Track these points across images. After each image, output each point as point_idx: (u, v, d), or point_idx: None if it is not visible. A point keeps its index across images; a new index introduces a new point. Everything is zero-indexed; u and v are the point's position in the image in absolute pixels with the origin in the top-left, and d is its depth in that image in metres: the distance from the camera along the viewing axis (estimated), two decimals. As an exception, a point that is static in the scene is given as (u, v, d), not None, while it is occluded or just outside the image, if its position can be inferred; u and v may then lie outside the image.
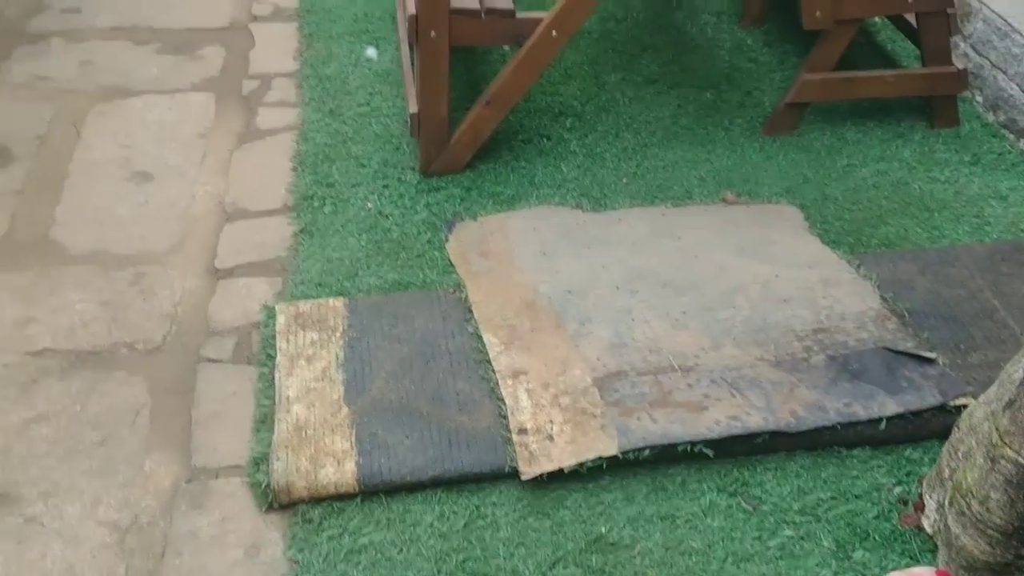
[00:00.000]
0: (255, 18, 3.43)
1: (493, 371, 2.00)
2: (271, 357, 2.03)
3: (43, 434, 1.87)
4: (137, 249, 2.37)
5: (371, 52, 3.22)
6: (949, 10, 2.76)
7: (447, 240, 2.41)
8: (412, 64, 2.76)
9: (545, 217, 2.51)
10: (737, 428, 1.85)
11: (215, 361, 2.06)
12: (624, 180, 2.70)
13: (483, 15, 2.50)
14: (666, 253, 2.37)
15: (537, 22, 2.51)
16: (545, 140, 2.84)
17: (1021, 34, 2.83)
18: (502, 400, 1.92)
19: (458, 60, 3.09)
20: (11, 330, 2.10)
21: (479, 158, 2.70)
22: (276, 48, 3.26)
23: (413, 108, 2.60)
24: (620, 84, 3.11)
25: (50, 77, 3.00)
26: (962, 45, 3.09)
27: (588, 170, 2.73)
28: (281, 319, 2.11)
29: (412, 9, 2.44)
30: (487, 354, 2.04)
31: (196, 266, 2.33)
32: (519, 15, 2.53)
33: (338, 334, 2.08)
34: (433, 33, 2.44)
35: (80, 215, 2.46)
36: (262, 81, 3.09)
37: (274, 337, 2.07)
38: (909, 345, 2.02)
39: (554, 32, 2.50)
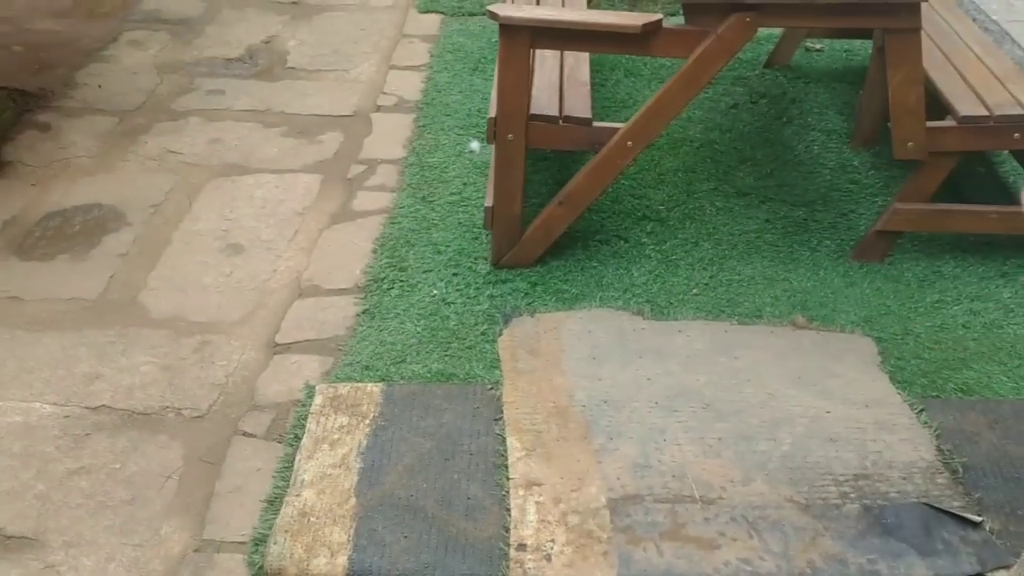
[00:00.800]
0: (378, 108, 3.62)
1: (508, 478, 1.97)
2: (298, 438, 2.09)
3: (81, 486, 2.01)
4: (210, 318, 2.53)
5: (474, 145, 3.34)
6: (1066, 147, 2.57)
7: (501, 334, 2.44)
8: (495, 161, 2.84)
9: (603, 320, 2.49)
10: (746, 573, 1.74)
11: (249, 435, 2.15)
12: (694, 291, 2.64)
13: (560, 122, 2.55)
14: (718, 372, 2.28)
15: (614, 131, 2.53)
16: (622, 242, 2.83)
17: None
18: (509, 510, 1.90)
19: (546, 156, 3.18)
20: (79, 384, 2.29)
21: (551, 254, 2.72)
22: (390, 136, 3.43)
23: (488, 202, 2.67)
24: (711, 193, 3.07)
25: (179, 152, 3.28)
26: (1090, 181, 2.86)
27: (659, 276, 2.69)
28: (318, 400, 2.19)
29: (492, 112, 2.53)
30: (507, 458, 2.02)
31: (258, 339, 2.46)
32: (596, 123, 2.57)
33: (367, 421, 2.13)
34: (510, 136, 2.51)
35: (170, 281, 2.66)
36: (368, 166, 3.25)
37: (306, 417, 2.14)
38: (955, 504, 1.84)
39: (629, 142, 2.52)
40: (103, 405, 2.23)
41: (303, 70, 3.85)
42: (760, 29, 2.43)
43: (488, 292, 2.62)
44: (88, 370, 2.33)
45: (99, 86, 3.65)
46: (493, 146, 2.58)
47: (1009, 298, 2.59)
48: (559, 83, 2.72)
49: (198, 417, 2.20)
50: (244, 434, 2.15)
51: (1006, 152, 3.12)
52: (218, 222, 2.93)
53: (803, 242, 2.84)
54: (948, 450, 2.02)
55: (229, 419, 2.19)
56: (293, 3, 4.39)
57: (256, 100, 3.63)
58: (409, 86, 3.73)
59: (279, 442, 2.12)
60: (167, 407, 2.22)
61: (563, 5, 3.12)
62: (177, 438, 2.13)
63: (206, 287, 2.65)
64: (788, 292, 2.63)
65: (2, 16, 4.07)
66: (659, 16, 2.36)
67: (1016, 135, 2.55)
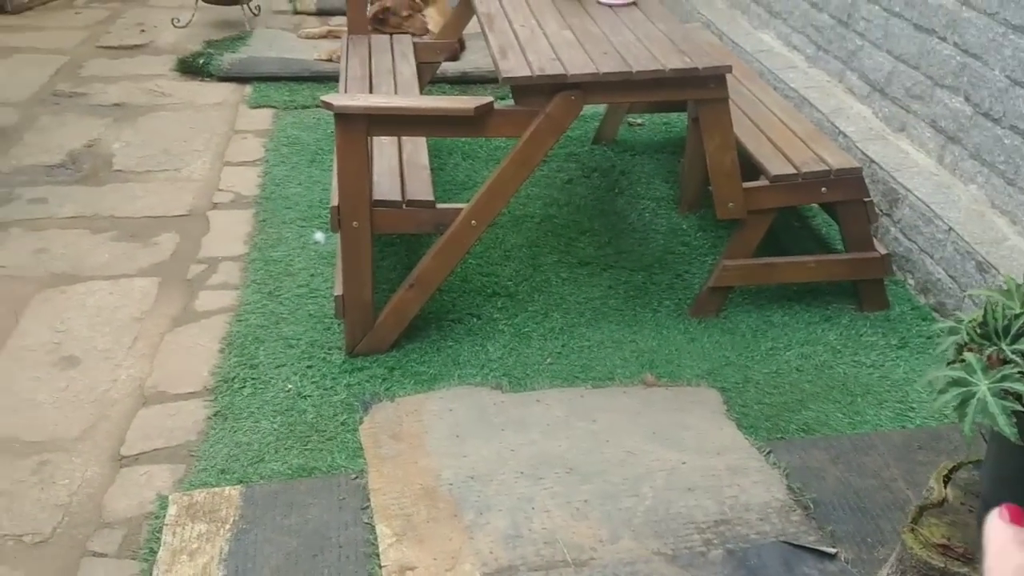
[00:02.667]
0: (215, 205, 3.55)
1: (380, 566, 1.93)
2: (154, 552, 1.97)
3: (-98, 637, 1.80)
4: (47, 435, 2.36)
5: (319, 236, 3.33)
6: (865, 199, 2.85)
7: (361, 422, 2.40)
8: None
9: (463, 398, 2.50)
10: (626, 630, 1.76)
11: (100, 555, 2.01)
12: (548, 360, 2.71)
13: (404, 205, 2.60)
14: (578, 437, 2.34)
15: (457, 212, 2.60)
16: (475, 319, 2.88)
17: (943, 220, 2.90)
18: (385, 599, 1.85)
19: (393, 242, 3.21)
20: None
21: (406, 338, 2.73)
22: (229, 233, 3.36)
23: (338, 291, 2.66)
24: (555, 266, 3.18)
25: (2, 265, 3.09)
26: (892, 229, 3.17)
27: (514, 350, 2.74)
28: (172, 510, 2.07)
29: (334, 201, 2.54)
30: (378, 546, 1.98)
31: (101, 453, 2.31)
32: (440, 205, 2.63)
33: (227, 526, 2.03)
34: (355, 223, 2.53)
35: (-1, 401, 2.48)
36: (208, 265, 3.17)
37: (161, 530, 2.02)
38: (810, 539, 1.95)
39: (473, 221, 2.59)
40: (-74, 544, 2.02)
41: (131, 172, 3.74)
42: (585, 108, 2.59)
43: (345, 381, 2.58)
44: (-94, 508, 2.11)
45: (-102, 207, 3.41)
46: (338, 235, 2.58)
47: (835, 340, 2.81)
48: (399, 168, 2.78)
49: (41, 542, 2.03)
50: (94, 554, 2.00)
51: (816, 205, 3.43)
52: (49, 335, 2.77)
53: (645, 304, 2.98)
54: (798, 488, 2.14)
55: (76, 540, 2.03)
56: (116, 105, 4.28)
57: (82, 206, 3.50)
58: (245, 182, 3.69)
59: (133, 559, 1.98)
60: (5, 535, 2.04)
61: (396, 92, 3.21)
62: (19, 567, 1.95)
63: (40, 404, 2.48)
64: (636, 353, 2.74)
65: None
66: (490, 98, 2.47)
67: (823, 189, 2.82)
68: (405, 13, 4.55)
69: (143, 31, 5.16)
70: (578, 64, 2.48)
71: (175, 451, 2.32)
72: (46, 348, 2.71)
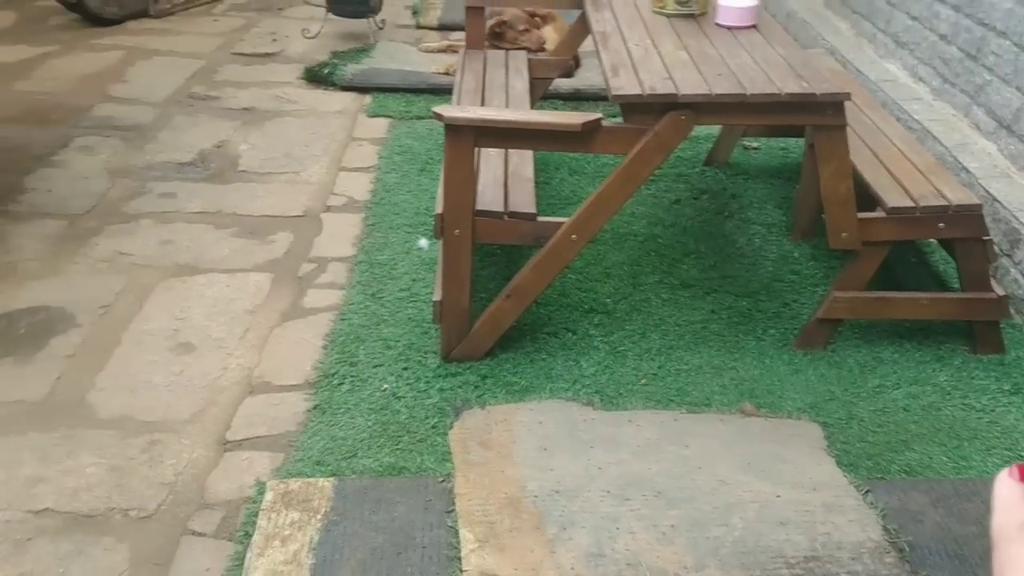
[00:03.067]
0: (328, 208, 3.68)
1: (461, 570, 1.95)
2: (249, 535, 2.05)
3: (20, 593, 1.93)
4: (160, 416, 2.50)
5: (423, 242, 3.40)
6: (985, 237, 2.72)
7: (451, 427, 2.44)
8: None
9: (553, 411, 2.51)
10: (703, 659, 1.73)
11: (199, 535, 2.10)
12: (643, 381, 2.69)
13: (506, 216, 2.64)
14: (669, 461, 2.31)
15: (558, 225, 2.62)
16: (570, 334, 2.89)
17: (1071, 260, 2.74)
18: (463, 603, 1.87)
19: (493, 252, 3.25)
20: (20, 488, 2.22)
21: (500, 347, 2.76)
22: (339, 235, 3.47)
23: (437, 296, 2.72)
24: (656, 286, 3.16)
25: (130, 253, 3.29)
26: (1012, 271, 3.01)
27: (608, 368, 2.74)
28: (269, 496, 2.15)
29: (439, 208, 2.60)
30: (460, 551, 2.00)
31: (208, 437, 2.43)
32: (541, 218, 2.66)
33: (318, 516, 2.10)
34: (457, 231, 2.58)
35: (118, 382, 2.63)
36: (318, 264, 3.29)
37: (257, 514, 2.10)
38: (904, 584, 1.87)
39: (573, 236, 2.60)
40: (46, 508, 2.16)
41: (254, 173, 3.91)
42: (699, 129, 2.57)
43: (438, 386, 2.63)
44: (31, 473, 2.27)
45: (48, 191, 3.66)
46: (441, 242, 2.64)
47: (945, 381, 2.68)
48: (504, 180, 2.82)
49: (145, 518, 2.14)
50: (193, 533, 2.10)
51: (934, 241, 3.29)
52: (169, 322, 2.92)
53: (748, 331, 2.92)
54: (894, 530, 2.06)
55: (178, 519, 2.14)
56: (245, 109, 4.49)
57: (208, 202, 3.67)
58: (358, 187, 3.82)
59: (229, 540, 2.07)
60: (113, 508, 2.16)
61: (507, 105, 3.26)
62: (124, 540, 2.07)
63: (156, 386, 2.62)
64: (735, 380, 2.69)
65: (-49, 124, 4.09)
66: (598, 115, 2.48)
67: (941, 225, 2.70)
68: (522, 27, 4.61)
69: (275, 40, 5.41)
70: (690, 84, 2.47)
71: (275, 440, 2.42)
72: (165, 333, 2.86)
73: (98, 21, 5.41)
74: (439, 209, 2.59)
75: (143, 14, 5.60)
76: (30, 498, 2.19)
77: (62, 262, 3.20)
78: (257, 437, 2.43)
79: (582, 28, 3.64)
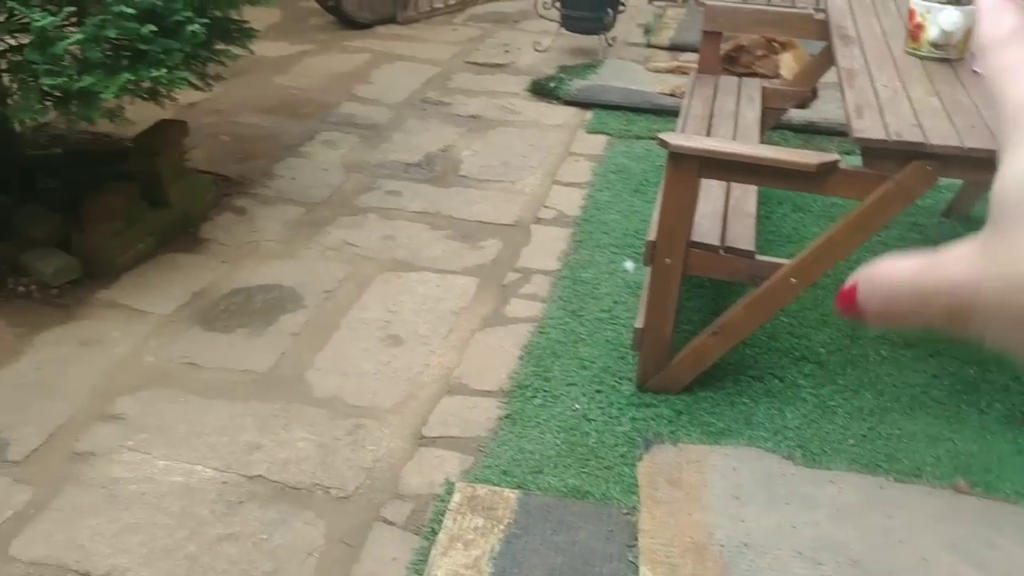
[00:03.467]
0: (538, 220, 3.74)
1: (636, 607, 1.92)
2: (434, 532, 2.13)
3: (228, 552, 2.10)
4: (366, 402, 2.64)
5: (628, 265, 3.39)
6: None
7: (640, 459, 2.41)
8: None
9: (750, 460, 2.42)
10: None
11: (389, 523, 2.20)
12: (851, 441, 2.53)
13: (721, 251, 2.57)
14: (869, 528, 2.16)
15: (777, 267, 2.52)
16: (776, 381, 2.77)
17: None
18: (635, 640, 1.84)
19: (702, 283, 3.17)
20: (240, 453, 2.42)
21: (699, 384, 2.69)
22: (546, 248, 3.52)
23: (639, 323, 2.69)
24: (875, 341, 2.96)
25: (356, 244, 3.50)
26: None
27: (814, 422, 2.60)
28: (456, 497, 2.22)
29: (652, 235, 2.58)
30: (638, 587, 1.98)
31: (406, 429, 2.54)
32: (759, 256, 2.57)
33: (501, 526, 2.14)
34: (668, 260, 2.54)
35: (334, 363, 2.81)
36: (523, 275, 3.35)
37: (444, 513, 2.17)
38: None
39: (793, 280, 2.49)
40: (259, 475, 2.35)
41: (473, 179, 4.05)
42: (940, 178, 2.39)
43: (631, 414, 2.61)
44: (250, 440, 2.47)
45: (293, 178, 3.97)
46: (649, 268, 2.61)
47: None
48: (723, 212, 2.75)
49: (344, 498, 2.27)
50: (385, 521, 2.20)
51: None
52: (382, 313, 3.08)
53: (971, 402, 2.68)
54: None
55: (372, 504, 2.25)
56: (472, 117, 4.66)
57: (428, 203, 3.83)
58: (570, 202, 3.85)
59: (416, 534, 2.15)
60: (317, 484, 2.31)
61: (735, 135, 3.18)
62: (322, 516, 2.21)
63: (365, 373, 2.77)
64: (951, 453, 2.48)
65: (216, 109, 4.52)
66: (835, 157, 2.36)
67: None
68: (760, 53, 4.48)
69: (507, 51, 5.58)
70: (940, 134, 2.29)
71: (467, 442, 2.49)
72: (378, 324, 3.02)
73: (352, 24, 5.81)
74: (652, 236, 2.56)
75: (392, 20, 5.96)
76: (246, 464, 2.39)
77: (297, 246, 3.46)
78: (450, 437, 2.51)
79: (825, 60, 3.48)
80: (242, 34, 3.35)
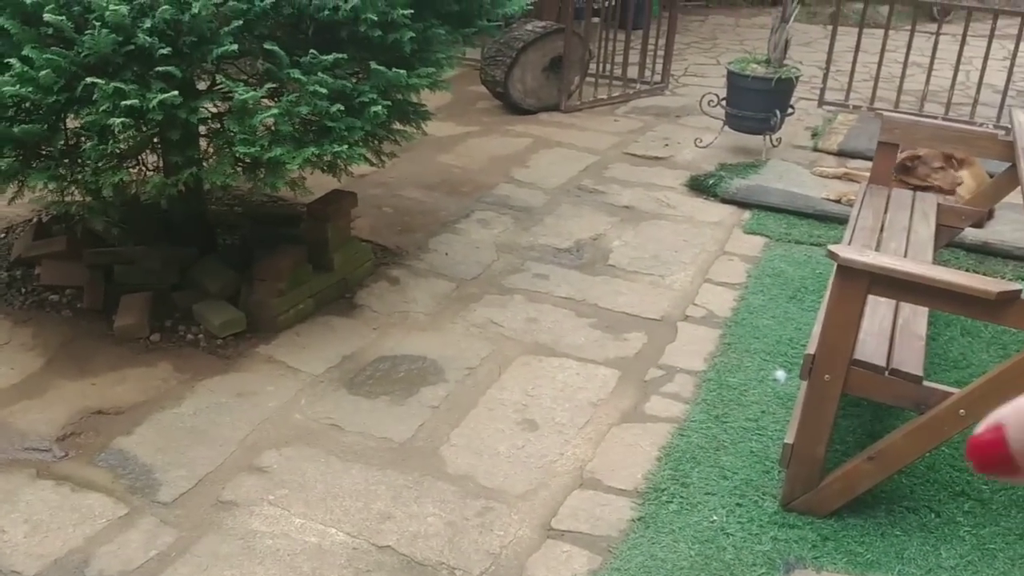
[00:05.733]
0: (686, 317, 3.67)
1: None
2: (555, 632, 2.06)
3: (351, 617, 2.11)
4: (497, 485, 2.63)
5: (780, 374, 3.26)
6: None
7: (779, 584, 2.28)
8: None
9: (899, 600, 2.24)
10: None
11: (510, 614, 2.16)
12: (1015, 593, 2.31)
13: (886, 373, 2.43)
14: None
15: (945, 395, 2.36)
16: (932, 515, 2.57)
17: None
18: None
19: (857, 403, 3.00)
20: (372, 520, 2.45)
21: (849, 510, 2.54)
22: (693, 347, 3.44)
23: (789, 439, 2.57)
24: (1048, 485, 2.71)
25: (500, 324, 3.54)
26: None
27: (972, 564, 2.39)
28: (581, 599, 2.15)
29: (811, 348, 2.48)
30: None
31: (535, 518, 2.50)
32: (927, 382, 2.42)
33: (626, 636, 2.05)
34: (827, 376, 2.43)
35: (469, 441, 2.82)
36: (666, 372, 3.28)
37: (567, 614, 2.11)
38: None
39: (962, 411, 2.33)
40: (388, 546, 2.36)
41: (621, 269, 4.04)
42: None
43: (772, 533, 2.47)
44: (383, 509, 2.50)
45: (446, 253, 4.08)
46: (805, 382, 2.50)
47: None
48: (891, 331, 2.61)
49: (466, 583, 2.25)
50: (504, 613, 2.16)
51: None
52: (520, 396, 3.09)
53: None
54: None
55: (493, 593, 2.22)
56: (625, 207, 4.68)
57: (575, 290, 3.84)
58: (721, 302, 3.77)
59: (535, 632, 2.10)
60: (443, 563, 2.30)
61: (906, 251, 3.04)
62: (444, 598, 2.19)
63: (498, 454, 2.77)
64: None
65: (382, 182, 4.75)
66: (1018, 286, 2.22)
67: None
68: (937, 165, 4.31)
69: (667, 145, 5.61)
70: None
71: (596, 541, 2.42)
72: (515, 406, 3.02)
73: (516, 110, 6.03)
74: (811, 349, 2.46)
75: (555, 108, 6.13)
76: (377, 532, 2.41)
77: (444, 320, 3.54)
78: (579, 532, 2.46)
79: (1007, 182, 3.31)
80: (418, 115, 3.52)
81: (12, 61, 2.42)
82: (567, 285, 3.87)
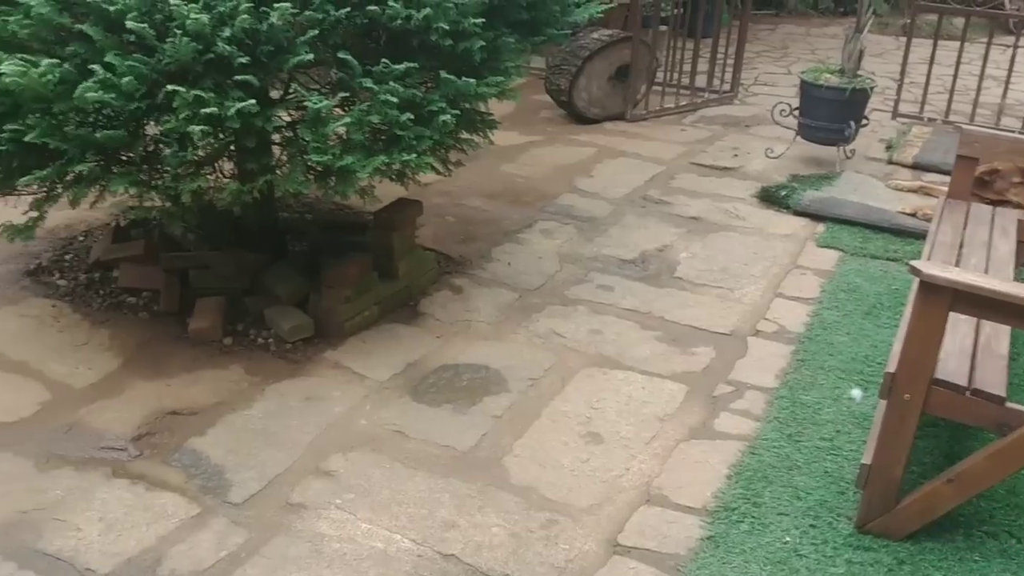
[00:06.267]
0: (757, 332, 3.58)
1: None
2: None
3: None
4: (561, 498, 2.60)
5: (856, 393, 3.17)
6: None
7: (854, 609, 2.20)
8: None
9: (981, 632, 2.14)
10: None
11: (576, 630, 2.12)
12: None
13: (968, 393, 2.34)
14: None
15: (1029, 418, 2.27)
16: (1013, 541, 2.47)
17: None
18: None
19: (936, 423, 2.90)
20: (436, 528, 2.45)
21: (926, 533, 2.45)
22: (764, 363, 3.36)
23: (867, 459, 2.49)
24: None
25: (563, 335, 3.51)
26: None
27: (1059, 597, 2.28)
28: (648, 617, 2.11)
29: (892, 367, 2.40)
30: None
31: (600, 533, 2.47)
32: (1009, 404, 2.32)
33: (694, 657, 2.00)
34: (907, 396, 2.36)
35: (532, 452, 2.80)
36: (736, 388, 3.21)
37: (634, 631, 2.07)
38: None
39: (1049, 434, 2.23)
40: (453, 555, 2.35)
41: (688, 281, 3.97)
42: None
43: (846, 556, 2.40)
44: (447, 517, 2.49)
45: (509, 263, 4.07)
46: (883, 401, 2.42)
47: None
48: (972, 351, 2.52)
49: (529, 596, 2.23)
50: (569, 630, 2.13)
51: None
52: (584, 408, 3.05)
53: None
54: None
55: (560, 607, 2.19)
56: (692, 218, 4.62)
57: (640, 302, 3.78)
58: (793, 317, 3.68)
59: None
60: (507, 575, 2.28)
61: (987, 268, 2.93)
62: (511, 612, 2.17)
63: (562, 467, 2.74)
64: None
65: (446, 191, 4.77)
66: (1111, 307, 2.11)
67: None
68: (1016, 180, 4.16)
69: (736, 155, 5.53)
70: None
71: (663, 559, 2.38)
72: (579, 419, 2.99)
73: (581, 119, 6.01)
74: (891, 367, 2.39)
75: (620, 117, 6.10)
76: (442, 541, 2.40)
77: (506, 330, 3.53)
78: (646, 549, 2.41)
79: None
80: (485, 124, 3.52)
81: (95, 67, 2.48)
82: (632, 297, 3.83)
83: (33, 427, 2.82)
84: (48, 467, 2.65)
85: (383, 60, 2.84)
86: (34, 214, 3.02)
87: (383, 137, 2.96)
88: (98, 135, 2.64)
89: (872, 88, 5.10)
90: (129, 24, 2.48)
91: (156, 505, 2.51)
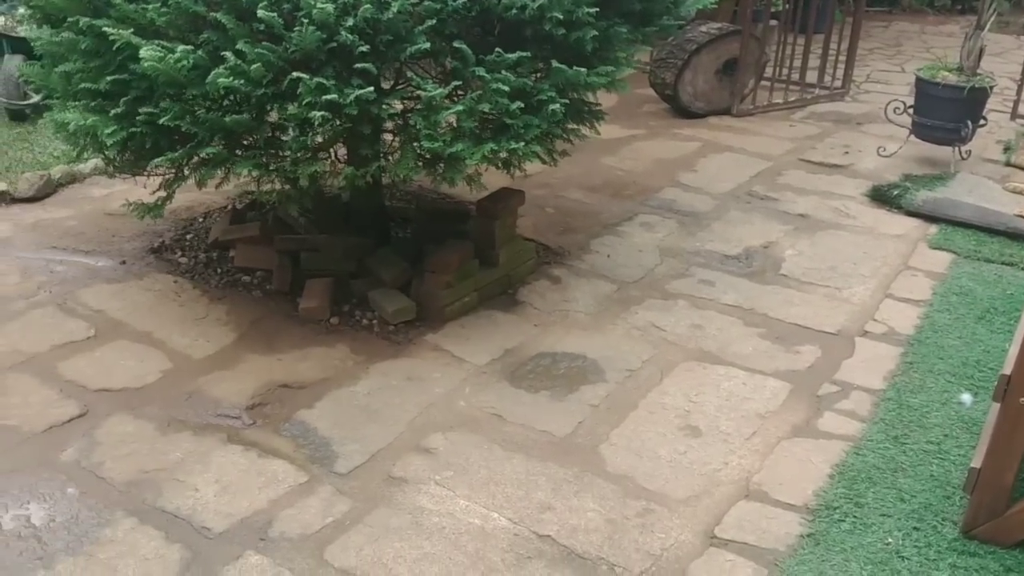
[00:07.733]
0: (865, 333, 3.49)
1: None
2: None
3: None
4: (657, 487, 2.61)
5: (966, 397, 3.07)
6: None
7: (958, 617, 2.14)
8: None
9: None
10: None
11: (669, 616, 2.13)
12: None
13: (1092, 400, 2.24)
14: None
15: None
16: None
17: None
18: None
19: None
20: (533, 509, 2.49)
21: (1037, 545, 2.36)
22: (871, 365, 3.27)
23: (976, 463, 2.41)
24: None
25: (663, 328, 3.51)
26: None
27: None
28: (745, 609, 2.10)
29: (1008, 369, 2.31)
30: None
31: (697, 524, 2.46)
32: None
33: (791, 652, 1.98)
34: (1022, 400, 2.27)
35: (629, 442, 2.81)
36: (841, 389, 3.14)
37: (730, 622, 2.06)
38: None
39: None
40: (548, 535, 2.39)
41: (794, 279, 3.90)
42: None
43: (950, 560, 2.33)
44: (543, 499, 2.53)
45: (608, 256, 4.08)
46: (995, 405, 2.34)
47: None
48: (1098, 358, 2.40)
49: (626, 580, 2.24)
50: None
51: None
52: (682, 401, 3.04)
53: None
54: None
55: (656, 594, 2.20)
56: (800, 216, 4.52)
57: (743, 298, 3.74)
58: (903, 319, 3.58)
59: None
60: (602, 558, 2.31)
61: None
62: (603, 594, 2.19)
63: (659, 458, 2.74)
64: None
65: (546, 182, 4.81)
66: None
67: None
68: None
69: (847, 153, 5.38)
70: None
71: (761, 553, 2.36)
72: (677, 411, 2.98)
73: (685, 113, 5.95)
74: (1007, 370, 2.30)
75: (726, 112, 6.02)
76: (538, 521, 2.44)
77: (605, 321, 3.54)
78: (744, 543, 2.40)
79: None
80: (592, 115, 3.54)
81: (227, 54, 2.61)
82: (734, 292, 3.78)
83: (156, 393, 2.99)
84: (169, 431, 2.80)
85: (496, 49, 2.89)
86: (163, 194, 3.20)
87: (491, 125, 3.01)
88: (227, 119, 2.78)
89: (991, 87, 4.89)
90: (260, 13, 2.60)
91: (268, 471, 2.63)
